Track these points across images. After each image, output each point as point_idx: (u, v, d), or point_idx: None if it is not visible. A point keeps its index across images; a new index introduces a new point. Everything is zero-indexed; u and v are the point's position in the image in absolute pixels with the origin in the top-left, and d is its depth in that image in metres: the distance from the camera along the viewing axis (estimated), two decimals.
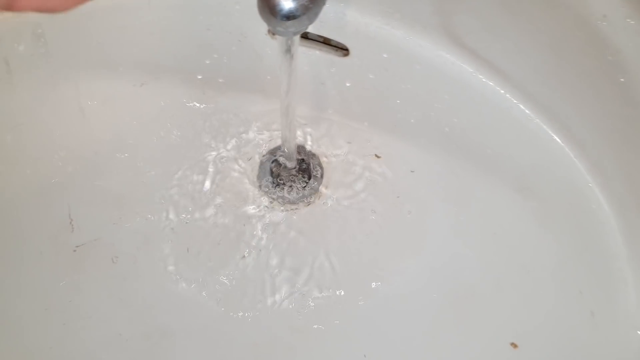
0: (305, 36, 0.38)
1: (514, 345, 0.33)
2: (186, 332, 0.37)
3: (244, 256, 0.41)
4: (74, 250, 0.38)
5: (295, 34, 0.28)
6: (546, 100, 0.32)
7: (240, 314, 0.38)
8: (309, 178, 0.45)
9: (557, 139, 0.32)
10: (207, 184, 0.44)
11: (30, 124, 0.39)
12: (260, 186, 0.44)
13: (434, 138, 0.40)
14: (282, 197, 0.43)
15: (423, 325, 0.37)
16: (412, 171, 0.43)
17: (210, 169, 0.44)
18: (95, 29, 0.36)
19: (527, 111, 0.32)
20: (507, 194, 0.38)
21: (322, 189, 0.44)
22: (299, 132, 0.45)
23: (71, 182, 0.40)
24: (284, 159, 0.43)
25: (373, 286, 0.39)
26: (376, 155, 0.41)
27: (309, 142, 0.45)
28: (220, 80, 0.43)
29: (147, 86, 0.43)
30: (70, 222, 0.39)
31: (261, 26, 0.36)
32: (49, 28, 0.35)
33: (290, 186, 0.44)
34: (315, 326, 0.38)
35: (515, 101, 0.32)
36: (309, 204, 0.43)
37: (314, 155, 0.45)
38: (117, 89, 0.42)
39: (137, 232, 0.40)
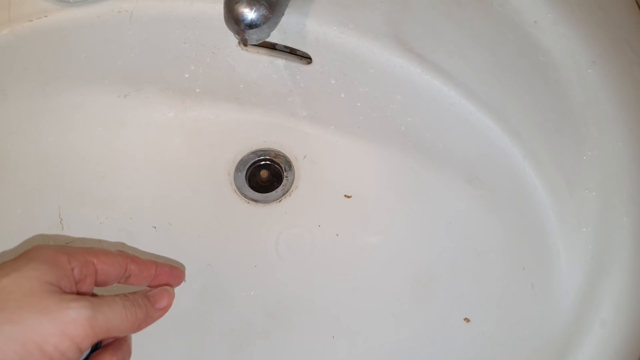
0: (273, 47, 0.42)
1: (467, 320, 0.37)
2: (166, 318, 0.40)
3: (223, 248, 0.44)
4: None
5: (258, 40, 0.32)
6: (485, 96, 0.36)
7: (217, 300, 0.41)
8: (280, 181, 0.48)
9: (497, 130, 0.35)
10: (188, 187, 0.47)
11: (23, 133, 0.43)
12: (237, 188, 0.47)
13: (393, 137, 0.44)
14: (256, 199, 0.47)
15: (387, 307, 0.40)
16: (374, 170, 0.46)
17: (191, 175, 0.48)
18: (81, 43, 0.40)
19: (469, 106, 0.36)
20: (460, 185, 0.41)
21: (293, 189, 0.47)
22: (271, 139, 0.49)
23: (61, 185, 0.43)
24: None
25: (340, 273, 0.43)
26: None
27: (282, 148, 0.49)
28: (198, 90, 0.47)
29: (130, 97, 0.46)
30: (60, 222, 0.42)
31: (232, 39, 0.40)
32: (39, 42, 0.39)
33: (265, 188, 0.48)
34: (287, 312, 0.41)
35: (458, 98, 0.36)
36: (280, 201, 0.47)
37: (285, 158, 0.48)
38: (103, 100, 0.45)
39: (122, 229, 0.44)
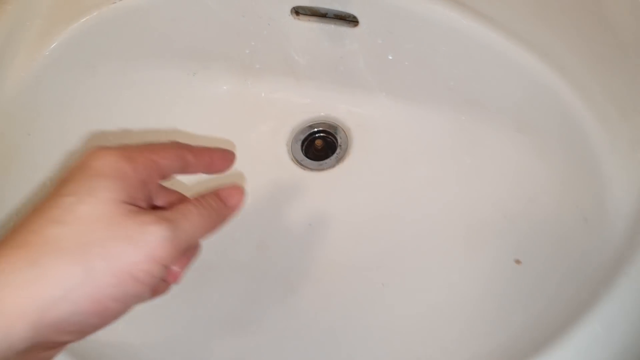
0: (324, 16, 0.45)
1: (518, 261, 0.36)
2: (227, 266, 0.43)
3: (280, 208, 0.47)
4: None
5: None
6: (528, 35, 0.36)
7: (274, 253, 0.44)
8: (335, 150, 0.50)
9: (541, 67, 0.35)
10: (250, 157, 0.51)
11: (107, 105, 0.49)
12: (294, 158, 0.50)
13: (443, 95, 0.45)
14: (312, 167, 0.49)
15: (438, 256, 0.40)
16: (426, 132, 0.47)
17: (252, 147, 0.51)
18: (154, 22, 0.46)
19: (511, 46, 0.36)
20: (511, 135, 0.41)
21: (346, 157, 0.49)
22: (326, 111, 0.51)
23: None
24: None
25: (392, 229, 0.43)
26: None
27: (337, 119, 0.51)
28: (257, 66, 0.51)
29: (199, 75, 0.51)
30: None
31: (285, 6, 0.44)
32: (121, 22, 0.45)
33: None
34: (339, 264, 0.42)
35: (500, 39, 0.36)
36: (334, 167, 0.49)
37: (339, 128, 0.51)
38: (175, 78, 0.51)
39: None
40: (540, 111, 0.37)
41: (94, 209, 0.23)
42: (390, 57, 0.44)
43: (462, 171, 0.44)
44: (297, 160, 0.50)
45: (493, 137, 0.42)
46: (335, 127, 0.51)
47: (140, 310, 0.40)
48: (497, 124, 0.41)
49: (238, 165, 0.50)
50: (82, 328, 0.23)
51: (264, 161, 0.50)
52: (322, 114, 0.51)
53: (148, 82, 0.49)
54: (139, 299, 0.25)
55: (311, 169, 0.50)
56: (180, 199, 0.30)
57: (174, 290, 0.41)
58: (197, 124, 0.51)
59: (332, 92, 0.51)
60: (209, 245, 0.44)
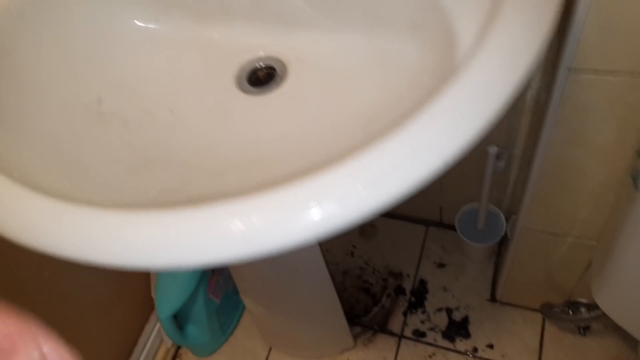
0: None
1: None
2: (170, 158, 0.50)
3: (225, 121, 0.54)
4: (99, 115, 0.54)
5: None
6: None
7: (213, 150, 0.51)
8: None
9: None
10: (200, 86, 0.59)
11: (77, 35, 0.57)
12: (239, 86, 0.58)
13: (359, 20, 0.53)
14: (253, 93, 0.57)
15: (344, 139, 0.47)
16: (346, 55, 0.55)
17: (203, 79, 0.59)
18: None
19: None
20: (408, 37, 0.48)
21: (284, 83, 0.57)
22: (268, 47, 0.60)
23: (103, 74, 0.57)
24: None
25: (313, 127, 0.50)
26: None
27: (277, 53, 0.59)
28: (211, 11, 0.60)
29: (161, 21, 0.61)
30: (99, 100, 0.55)
31: None
32: None
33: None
34: (265, 156, 0.49)
35: None
36: (273, 91, 0.57)
37: (279, 61, 0.59)
38: (140, 21, 0.60)
39: (146, 111, 0.56)
40: (421, 9, 0.45)
41: None
42: None
43: (373, 79, 0.51)
44: (241, 89, 0.58)
45: (397, 45, 0.50)
46: (275, 60, 0.59)
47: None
48: (399, 33, 0.49)
49: (190, 94, 0.59)
50: None
51: (213, 89, 0.58)
52: (263, 50, 0.60)
53: (116, 24, 0.59)
54: None
55: (253, 94, 0.57)
56: None
57: (123, 166, 0.49)
58: (156, 62, 0.60)
59: (274, 30, 0.59)
60: (155, 139, 0.52)
